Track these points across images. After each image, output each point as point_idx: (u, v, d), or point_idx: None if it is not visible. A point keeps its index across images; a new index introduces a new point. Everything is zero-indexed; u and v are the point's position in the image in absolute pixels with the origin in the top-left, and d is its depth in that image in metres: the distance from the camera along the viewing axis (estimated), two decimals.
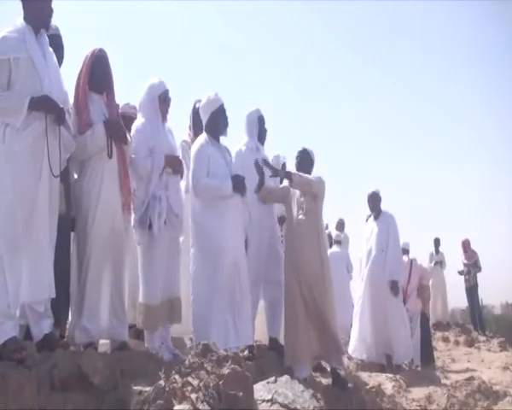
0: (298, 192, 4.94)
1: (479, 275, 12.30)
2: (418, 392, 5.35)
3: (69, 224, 3.77)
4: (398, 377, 5.76)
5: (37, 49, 3.34)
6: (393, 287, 6.55)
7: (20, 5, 3.41)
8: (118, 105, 4.11)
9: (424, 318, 8.18)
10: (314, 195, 4.88)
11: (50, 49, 3.49)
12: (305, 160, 5.14)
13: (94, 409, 3.00)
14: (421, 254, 10.37)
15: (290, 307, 4.76)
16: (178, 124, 5.29)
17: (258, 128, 5.31)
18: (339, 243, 9.85)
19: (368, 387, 4.99)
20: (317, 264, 4.78)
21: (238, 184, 4.48)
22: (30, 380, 2.95)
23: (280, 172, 4.85)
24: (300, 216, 4.85)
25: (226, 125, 4.69)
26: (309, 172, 5.05)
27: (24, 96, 3.20)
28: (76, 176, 3.89)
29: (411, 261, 8.18)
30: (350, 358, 6.50)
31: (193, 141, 4.76)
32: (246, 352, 4.53)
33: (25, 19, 3.38)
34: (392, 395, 4.97)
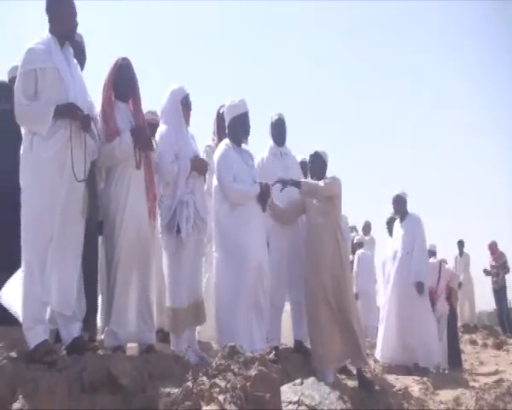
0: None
1: (507, 277, 12.11)
2: (446, 395, 5.29)
3: (97, 228, 3.84)
4: (425, 379, 5.71)
5: (63, 60, 3.42)
6: (419, 288, 6.50)
7: (46, 18, 3.51)
8: (143, 112, 4.16)
9: (452, 320, 8.09)
10: (329, 197, 4.90)
11: (75, 60, 3.58)
12: (318, 163, 5.16)
13: None
14: (446, 257, 10.21)
15: (313, 311, 4.77)
16: (200, 129, 5.34)
17: (278, 132, 5.33)
18: (360, 245, 9.80)
19: (394, 389, 4.96)
20: (338, 265, 4.78)
21: (265, 191, 4.52)
22: (60, 382, 3.02)
23: (288, 181, 4.88)
24: (319, 220, 4.86)
25: (247, 133, 4.67)
26: (323, 174, 5.07)
27: (49, 104, 3.28)
28: (103, 183, 3.95)
29: (440, 263, 8.11)
30: (376, 361, 6.46)
31: (217, 146, 4.81)
32: (271, 354, 4.56)
33: (50, 31, 3.47)
34: (420, 397, 4.94)
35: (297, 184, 4.89)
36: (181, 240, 4.12)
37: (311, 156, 5.21)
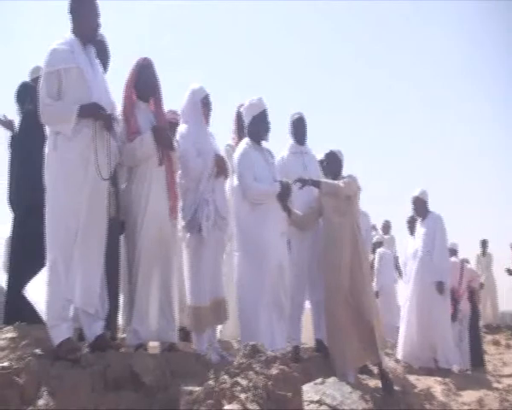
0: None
1: None
2: (469, 396, 5.23)
3: (118, 227, 3.87)
4: (447, 380, 5.66)
5: (86, 60, 3.46)
6: (440, 288, 6.44)
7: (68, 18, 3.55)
8: (165, 112, 4.18)
9: (474, 321, 8.00)
10: (347, 197, 4.88)
11: (97, 60, 3.62)
12: (333, 162, 5.13)
13: (145, 408, 3.08)
14: (468, 256, 10.09)
15: (332, 311, 4.75)
16: (221, 128, 5.36)
17: (299, 130, 5.32)
18: (380, 244, 9.73)
19: (416, 390, 4.92)
20: (356, 265, 4.75)
21: (285, 190, 4.51)
22: (84, 380, 3.06)
23: (308, 181, 4.87)
24: (336, 219, 4.84)
25: (267, 130, 4.69)
26: (338, 173, 5.05)
27: (73, 104, 3.32)
28: (125, 182, 3.98)
29: (462, 262, 8.03)
30: (398, 361, 6.41)
31: (237, 145, 4.82)
32: (292, 353, 4.56)
33: (73, 31, 3.51)
34: (442, 398, 4.89)
35: (316, 183, 4.88)
36: (202, 238, 4.13)
37: (326, 156, 5.19)
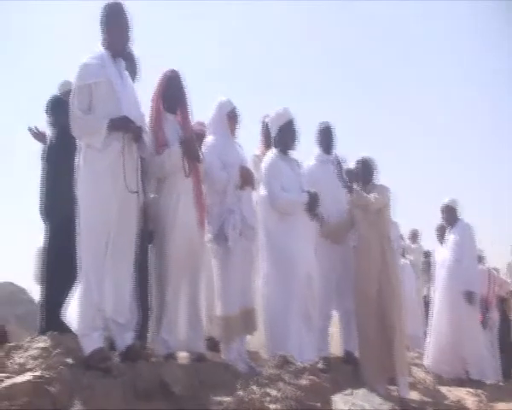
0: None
1: None
2: (503, 408, 5.12)
3: (148, 238, 3.91)
4: (479, 391, 5.55)
5: (116, 74, 3.51)
6: (469, 298, 6.32)
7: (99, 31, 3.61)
8: (192, 124, 4.22)
9: (505, 330, 7.84)
10: (377, 209, 4.85)
11: (126, 73, 3.67)
12: (366, 169, 5.11)
13: None
14: (498, 263, 9.89)
15: (362, 324, 4.72)
16: (248, 139, 5.38)
17: (326, 139, 5.32)
18: (402, 253, 9.59)
19: (447, 402, 4.84)
20: (385, 278, 4.72)
21: (313, 200, 4.51)
22: (115, 389, 3.09)
23: (348, 181, 4.89)
24: (367, 230, 4.82)
25: (294, 139, 4.71)
26: (371, 181, 5.03)
27: (103, 117, 3.37)
28: (153, 193, 4.02)
29: (488, 270, 7.89)
30: (428, 372, 6.32)
31: (264, 155, 4.84)
32: (321, 364, 4.53)
33: (103, 45, 3.57)
34: None
35: (350, 189, 4.85)
36: (229, 248, 4.15)
37: (358, 163, 5.17)
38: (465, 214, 6.83)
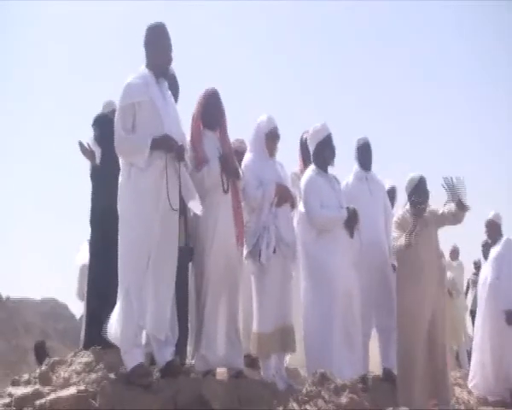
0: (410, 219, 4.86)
1: None
2: None
3: (188, 255, 3.96)
4: None
5: (158, 93, 3.59)
6: (509, 317, 6.12)
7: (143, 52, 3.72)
8: (230, 140, 4.28)
9: None
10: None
11: (169, 92, 3.75)
12: (424, 188, 4.98)
13: None
14: None
15: (406, 343, 4.64)
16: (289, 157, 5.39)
17: (364, 156, 5.30)
18: None
19: None
20: (441, 298, 4.65)
21: (352, 217, 4.49)
22: (156, 404, 3.15)
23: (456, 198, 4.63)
24: (426, 249, 4.76)
25: (333, 155, 4.71)
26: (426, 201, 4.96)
27: (146, 137, 3.45)
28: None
29: None
30: (471, 392, 6.15)
31: (302, 172, 4.85)
32: (360, 382, 4.47)
33: (147, 66, 3.66)
34: None
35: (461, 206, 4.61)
36: (263, 265, 4.16)
37: (418, 181, 4.97)
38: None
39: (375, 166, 5.36)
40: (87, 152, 4.54)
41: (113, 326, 3.40)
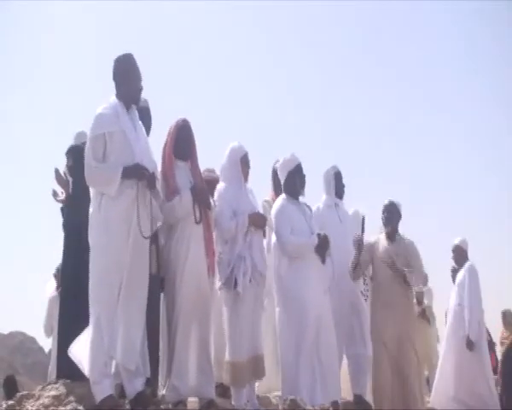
0: (388, 250, 4.96)
1: None
2: None
3: (159, 284, 3.95)
4: None
5: (129, 123, 3.62)
6: (469, 344, 6.19)
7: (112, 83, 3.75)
8: (201, 171, 4.31)
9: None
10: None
11: (140, 122, 3.78)
12: (394, 213, 5.13)
13: None
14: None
15: (377, 370, 4.70)
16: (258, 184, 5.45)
17: (336, 184, 5.42)
18: None
19: None
20: (407, 325, 4.73)
21: (323, 243, 4.55)
22: None
23: (399, 270, 4.85)
24: (387, 274, 4.84)
25: (303, 184, 4.81)
26: (397, 226, 5.10)
27: (117, 166, 3.46)
28: (164, 239, 4.08)
29: None
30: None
31: (274, 201, 4.91)
32: (331, 408, 4.48)
33: (117, 96, 3.70)
34: None
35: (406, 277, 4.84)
36: (238, 294, 4.17)
37: (387, 207, 5.16)
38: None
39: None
40: (62, 181, 4.52)
41: (79, 350, 3.36)
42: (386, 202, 5.19)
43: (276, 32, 28.27)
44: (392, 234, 5.09)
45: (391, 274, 4.86)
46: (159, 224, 3.81)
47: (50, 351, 7.60)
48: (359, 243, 4.86)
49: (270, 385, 4.95)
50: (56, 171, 4.57)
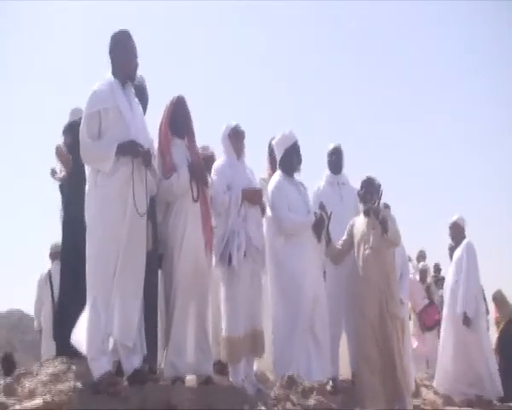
0: (364, 226, 4.91)
1: None
2: None
3: (157, 261, 3.94)
4: None
5: (124, 100, 3.58)
6: (465, 320, 6.22)
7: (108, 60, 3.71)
8: (197, 148, 4.28)
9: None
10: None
11: (136, 99, 3.74)
12: (370, 188, 5.02)
13: None
14: None
15: (360, 347, 4.71)
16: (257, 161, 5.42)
17: (335, 161, 5.38)
18: None
19: None
20: (385, 303, 4.71)
21: (319, 221, 4.52)
22: None
23: (379, 215, 4.73)
24: (367, 251, 4.80)
25: (299, 161, 4.79)
26: (375, 201, 5.03)
27: (112, 143, 3.43)
28: (161, 216, 4.06)
29: None
30: (436, 392, 6.26)
31: (270, 178, 4.89)
32: (330, 385, 4.52)
33: (112, 73, 3.66)
34: None
35: (385, 225, 4.72)
36: (233, 269, 4.16)
37: (364, 182, 5.08)
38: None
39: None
40: (64, 156, 4.47)
41: (80, 333, 3.36)
42: (364, 177, 5.11)
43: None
44: (368, 212, 4.96)
45: (369, 252, 4.81)
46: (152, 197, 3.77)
47: (41, 332, 7.68)
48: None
49: (268, 362, 4.97)
50: (58, 147, 4.53)
